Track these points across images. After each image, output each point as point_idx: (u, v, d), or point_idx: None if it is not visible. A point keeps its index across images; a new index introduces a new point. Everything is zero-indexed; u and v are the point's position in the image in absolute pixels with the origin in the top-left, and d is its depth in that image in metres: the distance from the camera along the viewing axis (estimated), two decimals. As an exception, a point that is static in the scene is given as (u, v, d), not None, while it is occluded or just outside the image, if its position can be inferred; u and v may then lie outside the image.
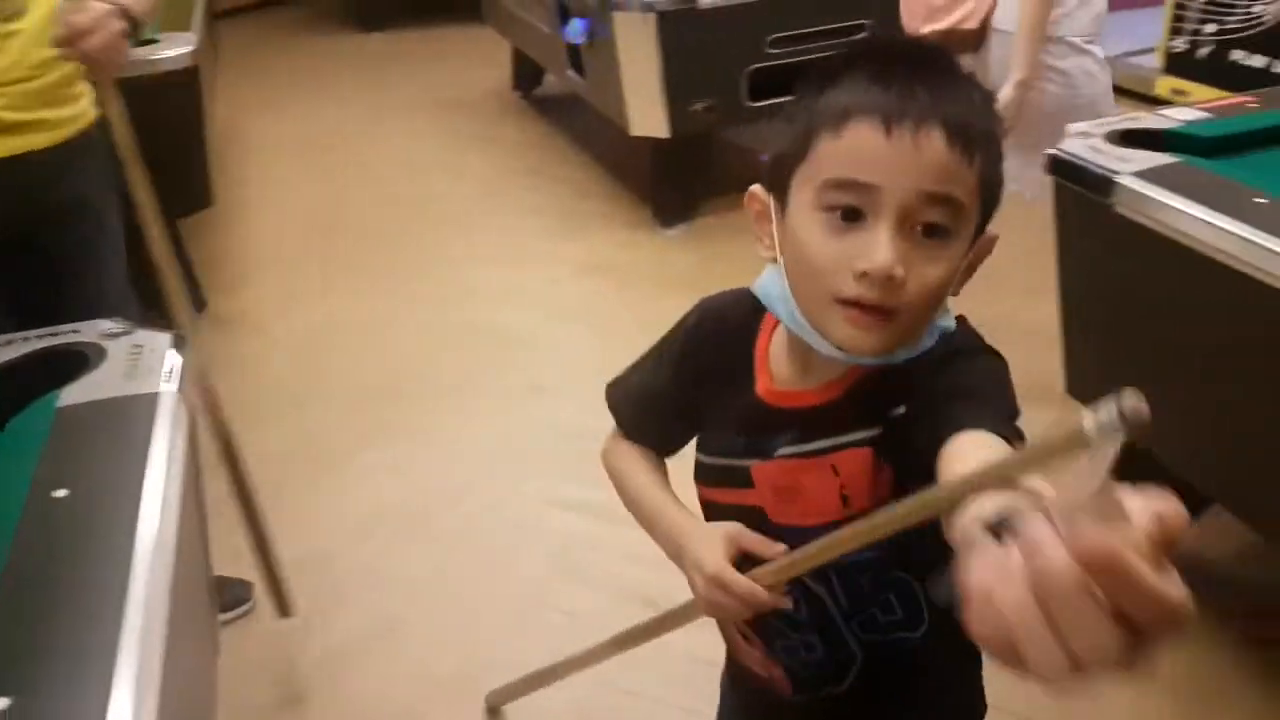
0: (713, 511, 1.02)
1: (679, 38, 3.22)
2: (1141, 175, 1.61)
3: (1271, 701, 1.81)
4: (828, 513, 0.90)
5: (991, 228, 0.86)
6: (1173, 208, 1.53)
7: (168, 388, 1.11)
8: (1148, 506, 0.42)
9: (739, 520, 0.96)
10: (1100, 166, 1.66)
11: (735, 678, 1.15)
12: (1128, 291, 1.77)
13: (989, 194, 0.83)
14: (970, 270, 0.86)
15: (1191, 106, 1.94)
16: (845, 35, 3.31)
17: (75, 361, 1.15)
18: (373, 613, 2.08)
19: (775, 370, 0.95)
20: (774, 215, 0.87)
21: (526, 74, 4.84)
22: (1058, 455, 0.50)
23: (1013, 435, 0.76)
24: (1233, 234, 1.44)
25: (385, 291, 3.32)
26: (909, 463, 0.83)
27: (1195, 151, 1.73)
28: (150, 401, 1.09)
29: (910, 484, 0.75)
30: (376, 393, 2.79)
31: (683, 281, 3.21)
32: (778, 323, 0.94)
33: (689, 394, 1.02)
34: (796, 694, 1.03)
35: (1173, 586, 0.40)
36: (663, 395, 1.05)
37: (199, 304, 3.07)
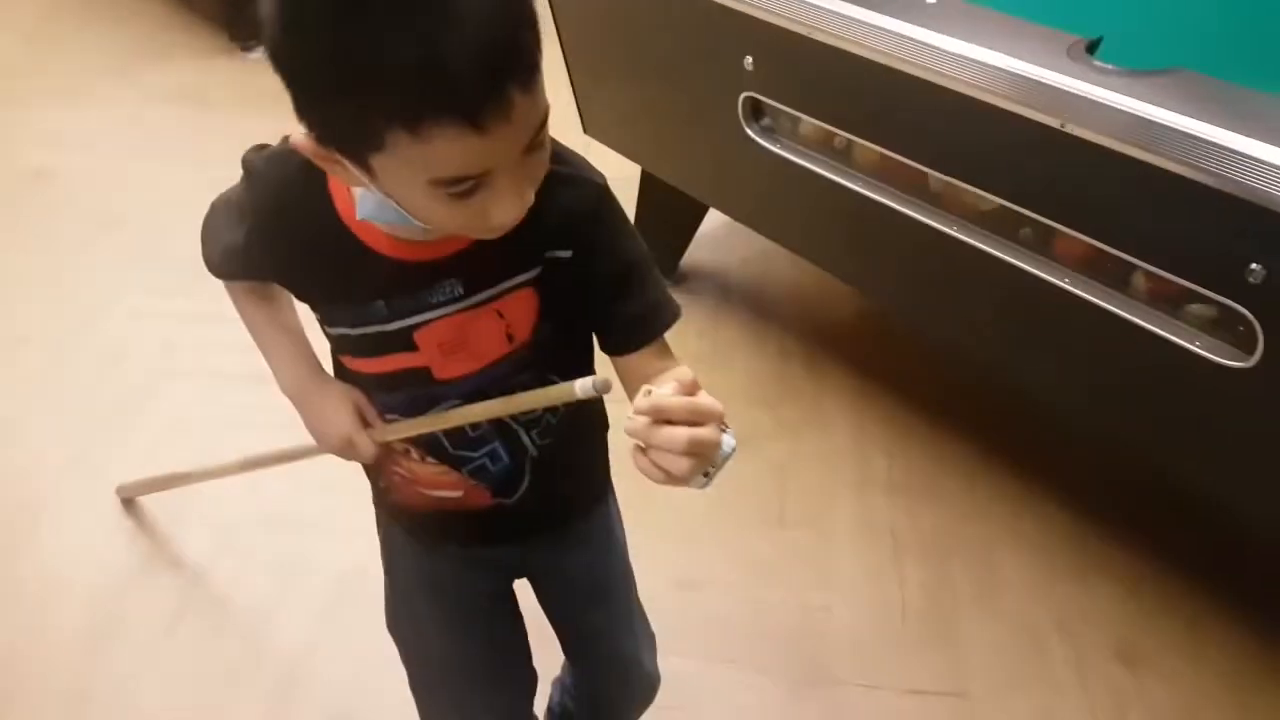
0: (366, 380, 1.00)
1: None
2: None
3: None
4: (494, 354, 0.94)
5: None
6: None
7: None
8: (676, 377, 0.77)
9: (403, 384, 0.96)
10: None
11: (407, 520, 1.15)
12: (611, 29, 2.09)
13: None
14: None
15: None
16: None
17: None
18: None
19: (388, 228, 0.87)
20: (351, 169, 0.76)
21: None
22: (561, 398, 0.84)
23: (671, 318, 0.95)
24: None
25: None
26: (559, 297, 0.93)
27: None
28: None
29: (555, 312, 0.93)
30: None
31: (265, 100, 3.21)
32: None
33: (281, 264, 0.96)
34: (496, 498, 1.06)
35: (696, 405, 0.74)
36: (249, 253, 0.96)
37: None
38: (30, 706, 1.64)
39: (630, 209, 1.91)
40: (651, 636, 1.33)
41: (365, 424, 1.02)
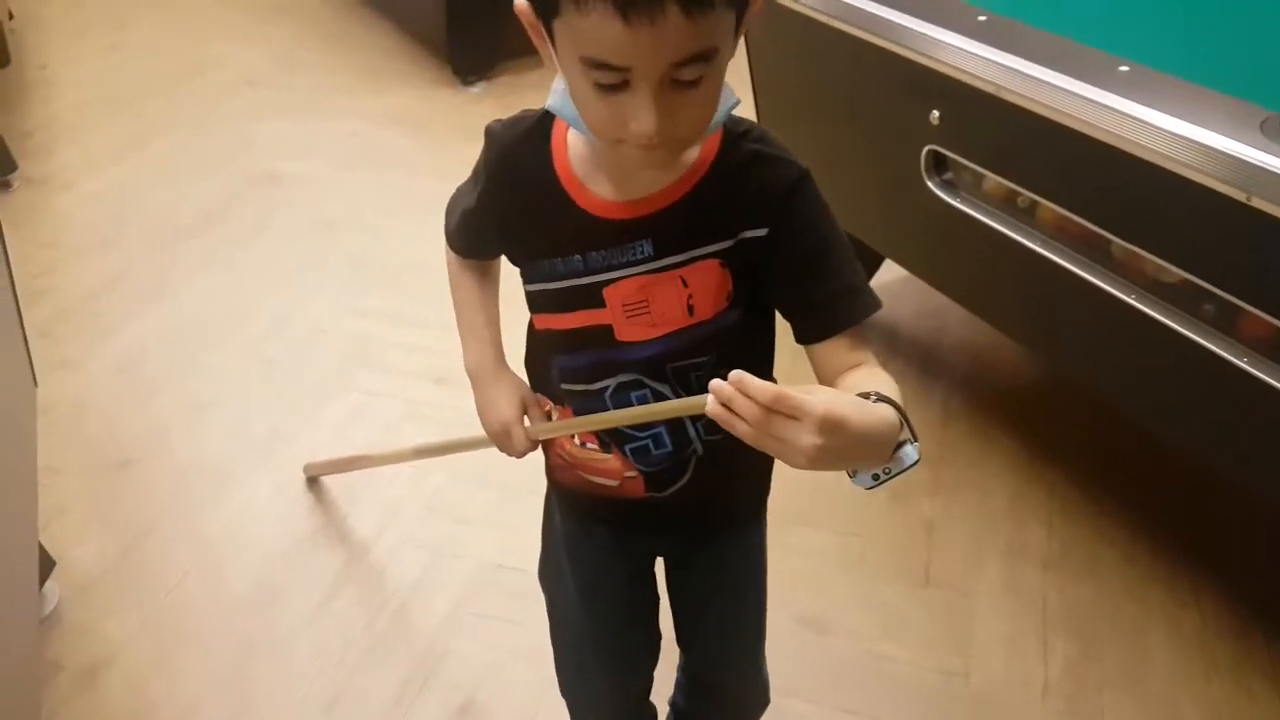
0: (553, 339, 1.04)
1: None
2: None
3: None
4: (674, 322, 0.96)
5: None
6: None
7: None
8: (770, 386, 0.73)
9: (588, 342, 1.00)
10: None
11: (565, 497, 1.20)
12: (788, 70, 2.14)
13: None
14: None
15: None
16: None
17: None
18: (184, 397, 2.38)
19: (593, 186, 0.94)
20: (545, 37, 0.83)
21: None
22: (691, 409, 0.84)
23: (867, 309, 0.94)
24: (843, 2, 1.82)
25: (183, 149, 3.49)
26: (750, 275, 0.94)
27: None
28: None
29: (743, 297, 0.94)
30: (181, 233, 3.01)
31: (479, 131, 3.47)
32: (566, 140, 0.96)
33: (503, 220, 1.03)
34: (648, 492, 1.08)
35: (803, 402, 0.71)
36: (479, 215, 1.06)
37: (9, 166, 3.21)
38: (201, 650, 1.80)
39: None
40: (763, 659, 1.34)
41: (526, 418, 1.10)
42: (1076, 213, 1.56)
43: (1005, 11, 1.65)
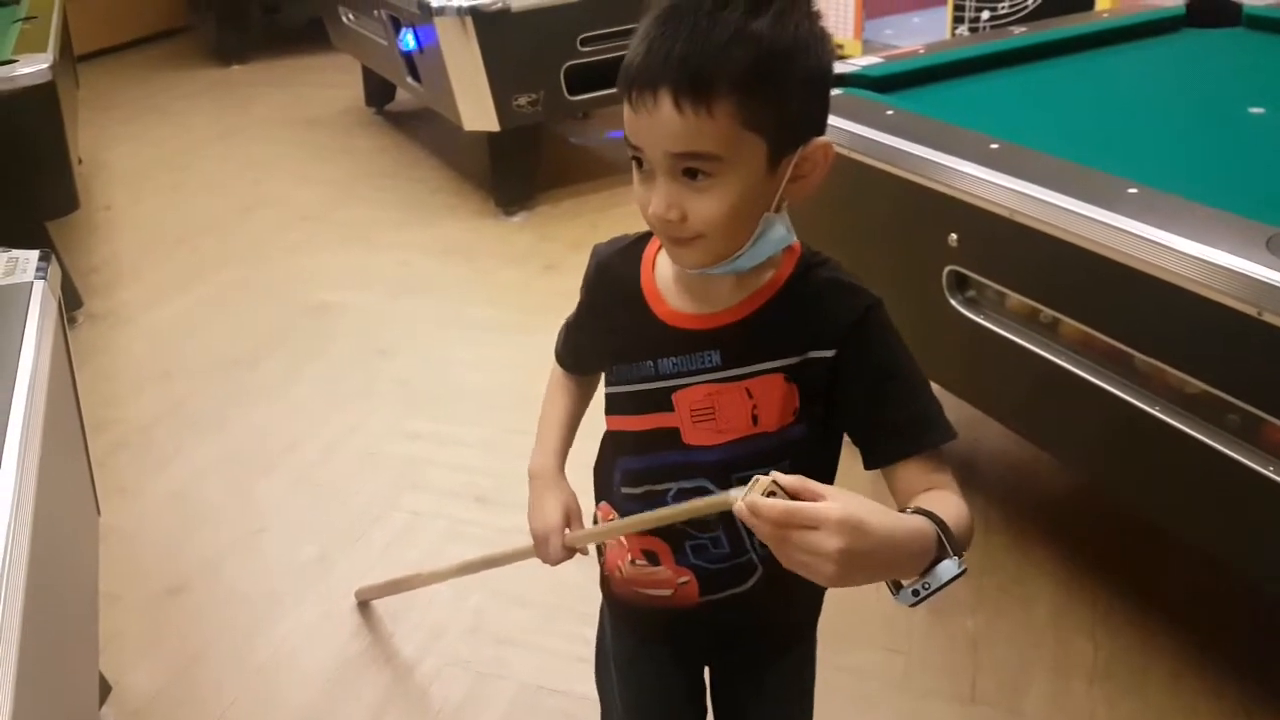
0: (624, 441, 1.10)
1: (497, 38, 3.59)
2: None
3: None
4: (739, 430, 1.01)
5: None
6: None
7: (39, 282, 1.48)
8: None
9: (653, 443, 1.06)
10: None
11: (619, 612, 1.24)
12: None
13: (767, 121, 0.88)
14: (803, 179, 0.94)
15: (871, 55, 2.44)
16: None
17: (-35, 268, 1.51)
18: (236, 525, 2.45)
19: (670, 298, 1.03)
20: None
21: (378, 90, 5.19)
22: (718, 507, 0.87)
23: (939, 437, 0.97)
24: (864, 137, 1.92)
25: (239, 282, 3.66)
26: (819, 396, 0.99)
27: (864, 86, 2.21)
28: (25, 289, 1.45)
29: (809, 415, 0.99)
30: (235, 364, 3.14)
31: (522, 256, 3.67)
32: (655, 257, 1.06)
33: (595, 327, 1.13)
34: (703, 596, 1.10)
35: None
36: (578, 327, 1.18)
37: (75, 303, 3.38)
38: (250, 774, 1.83)
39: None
40: None
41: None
42: (1096, 328, 1.61)
43: (1016, 138, 1.74)
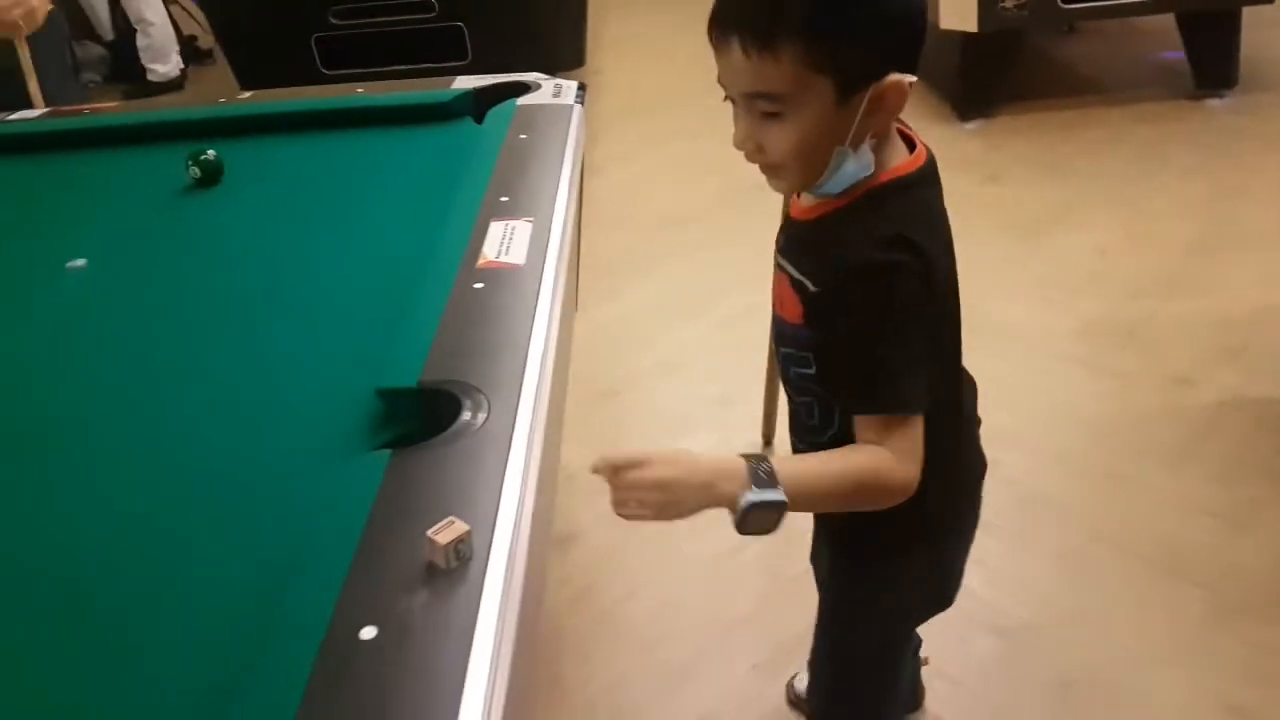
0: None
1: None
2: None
3: None
4: (782, 309, 1.12)
5: None
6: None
7: (577, 106, 1.83)
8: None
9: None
10: None
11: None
12: None
13: (832, 62, 0.93)
14: (878, 114, 0.97)
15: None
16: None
17: (525, 87, 1.90)
18: (661, 355, 2.81)
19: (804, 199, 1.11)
20: None
21: None
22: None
23: (873, 406, 1.01)
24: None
25: (692, 153, 3.85)
26: (809, 311, 1.06)
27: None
28: (568, 110, 1.80)
29: (810, 319, 1.07)
30: (678, 221, 3.51)
31: (967, 164, 3.63)
32: None
33: None
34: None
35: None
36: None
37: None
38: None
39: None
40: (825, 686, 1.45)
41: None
42: None
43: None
